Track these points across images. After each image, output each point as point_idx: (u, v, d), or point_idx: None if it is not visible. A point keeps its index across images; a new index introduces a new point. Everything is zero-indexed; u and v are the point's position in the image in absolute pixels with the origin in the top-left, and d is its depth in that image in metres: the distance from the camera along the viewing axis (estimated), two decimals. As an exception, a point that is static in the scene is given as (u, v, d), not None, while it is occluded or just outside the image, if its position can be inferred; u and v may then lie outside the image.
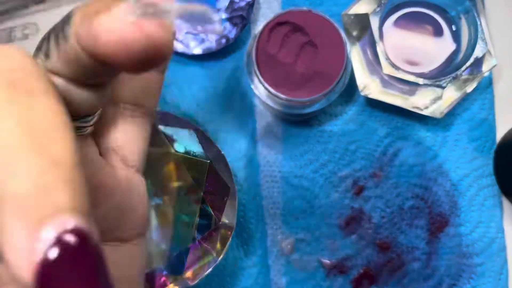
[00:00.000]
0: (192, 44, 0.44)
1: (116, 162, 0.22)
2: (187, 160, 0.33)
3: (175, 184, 0.33)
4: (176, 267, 0.38)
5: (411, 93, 0.41)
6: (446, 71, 0.41)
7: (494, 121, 0.45)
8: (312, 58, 0.40)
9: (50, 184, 0.15)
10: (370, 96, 0.42)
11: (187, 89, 0.45)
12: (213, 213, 0.37)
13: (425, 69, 0.42)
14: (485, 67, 0.41)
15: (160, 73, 0.23)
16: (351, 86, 0.44)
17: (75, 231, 0.14)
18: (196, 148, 0.34)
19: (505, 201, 0.45)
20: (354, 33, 0.42)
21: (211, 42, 0.44)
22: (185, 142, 0.34)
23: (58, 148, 0.15)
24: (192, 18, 0.22)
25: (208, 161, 0.34)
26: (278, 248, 0.44)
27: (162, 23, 0.18)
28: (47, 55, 0.19)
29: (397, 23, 0.42)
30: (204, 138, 0.34)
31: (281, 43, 0.40)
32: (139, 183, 0.22)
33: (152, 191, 0.33)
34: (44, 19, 0.47)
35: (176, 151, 0.33)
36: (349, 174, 0.45)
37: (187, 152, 0.33)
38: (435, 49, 0.42)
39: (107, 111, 0.22)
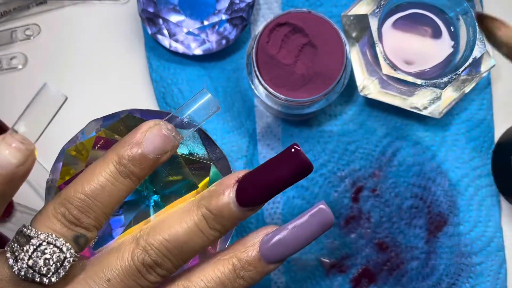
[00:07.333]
0: (193, 45, 0.44)
1: None
2: (190, 162, 0.33)
3: (175, 182, 0.33)
4: None
5: (410, 93, 0.42)
6: (444, 71, 0.42)
7: (492, 121, 0.46)
8: (312, 59, 0.40)
9: None
10: (370, 96, 0.42)
11: (188, 89, 0.46)
12: None
13: (424, 69, 0.42)
14: (484, 68, 0.41)
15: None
16: (351, 86, 0.44)
17: None
18: (199, 150, 0.34)
19: (503, 201, 0.46)
20: (354, 34, 0.42)
21: (212, 43, 0.44)
22: (188, 143, 0.34)
23: None
24: (199, 114, 0.29)
25: (211, 163, 0.34)
26: (278, 248, 0.45)
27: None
28: None
29: (396, 24, 0.42)
30: (207, 139, 0.34)
31: (281, 44, 0.40)
32: None
33: (151, 189, 0.33)
34: (46, 20, 0.47)
35: (182, 153, 0.33)
36: (349, 174, 0.45)
37: (190, 154, 0.34)
38: (433, 50, 0.42)
39: None
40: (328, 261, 0.45)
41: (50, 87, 0.28)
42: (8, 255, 0.28)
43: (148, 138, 0.29)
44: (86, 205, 0.28)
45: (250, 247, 0.31)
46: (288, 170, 0.29)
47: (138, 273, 0.29)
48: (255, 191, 0.29)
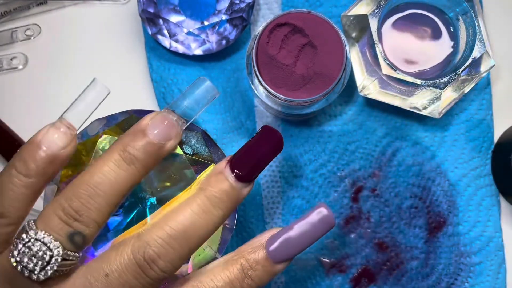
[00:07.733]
0: (193, 45, 0.44)
1: None
2: (193, 162, 0.34)
3: (170, 184, 0.33)
4: None
5: (410, 93, 0.42)
6: (444, 72, 0.42)
7: (492, 121, 0.46)
8: (312, 59, 0.40)
9: None
10: (369, 96, 0.43)
11: (188, 89, 0.46)
12: None
13: (424, 70, 0.43)
14: (483, 68, 0.41)
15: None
16: (350, 86, 0.45)
17: None
18: (203, 150, 0.34)
19: (503, 201, 0.46)
20: (353, 34, 0.42)
21: (212, 43, 0.44)
22: (193, 144, 0.34)
23: None
24: (198, 100, 0.29)
25: (213, 164, 0.34)
26: (278, 247, 0.45)
27: None
28: None
29: (395, 24, 0.43)
30: (209, 141, 0.34)
31: (281, 44, 0.40)
32: None
33: (147, 191, 0.33)
34: (46, 20, 0.47)
35: (185, 153, 0.34)
36: (348, 174, 0.45)
37: (195, 154, 0.34)
38: (433, 50, 0.42)
39: None
40: (328, 261, 0.45)
41: (98, 81, 0.31)
42: (12, 247, 0.28)
43: (152, 126, 0.30)
44: (88, 194, 0.28)
45: (257, 247, 0.31)
46: (267, 146, 0.31)
47: (138, 267, 0.29)
48: (247, 165, 0.31)
